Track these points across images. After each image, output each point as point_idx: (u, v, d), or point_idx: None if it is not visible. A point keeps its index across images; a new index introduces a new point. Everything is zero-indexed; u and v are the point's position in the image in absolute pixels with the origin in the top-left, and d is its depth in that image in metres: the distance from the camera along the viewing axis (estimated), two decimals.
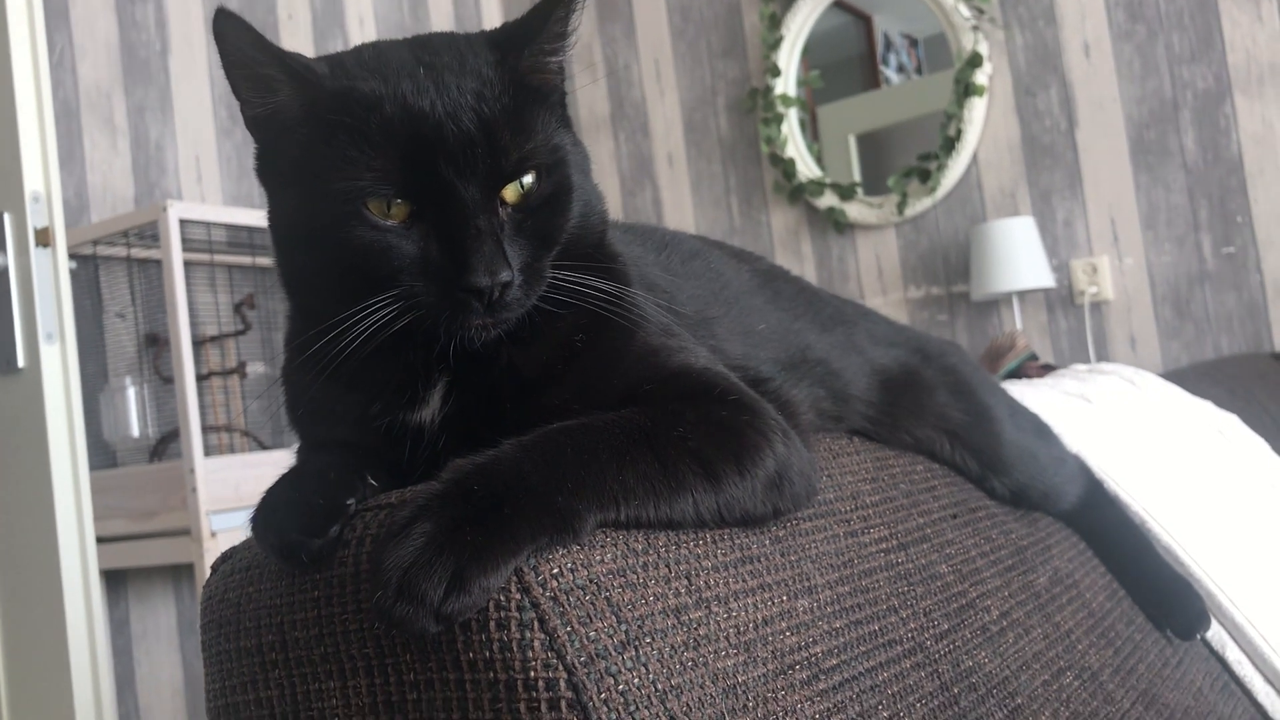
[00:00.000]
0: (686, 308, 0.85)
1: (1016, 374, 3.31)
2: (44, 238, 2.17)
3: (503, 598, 0.59)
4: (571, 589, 0.61)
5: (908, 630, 0.80)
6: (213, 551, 2.72)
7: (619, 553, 0.64)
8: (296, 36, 3.80)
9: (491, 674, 0.59)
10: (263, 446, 3.19)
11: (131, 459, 3.11)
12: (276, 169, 0.72)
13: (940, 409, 1.04)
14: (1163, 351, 3.38)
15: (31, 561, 2.12)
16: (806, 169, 3.95)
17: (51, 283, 2.18)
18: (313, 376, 0.73)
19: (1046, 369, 3.29)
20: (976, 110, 3.65)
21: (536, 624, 0.59)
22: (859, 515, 0.86)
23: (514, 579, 0.60)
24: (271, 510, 0.67)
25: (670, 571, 0.66)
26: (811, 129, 4.05)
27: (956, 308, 3.71)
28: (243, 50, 0.68)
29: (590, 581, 0.62)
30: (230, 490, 2.80)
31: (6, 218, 2.15)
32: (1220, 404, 1.95)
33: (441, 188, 0.66)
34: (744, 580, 0.70)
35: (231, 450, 3.18)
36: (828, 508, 0.83)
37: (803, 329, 0.96)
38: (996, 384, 1.15)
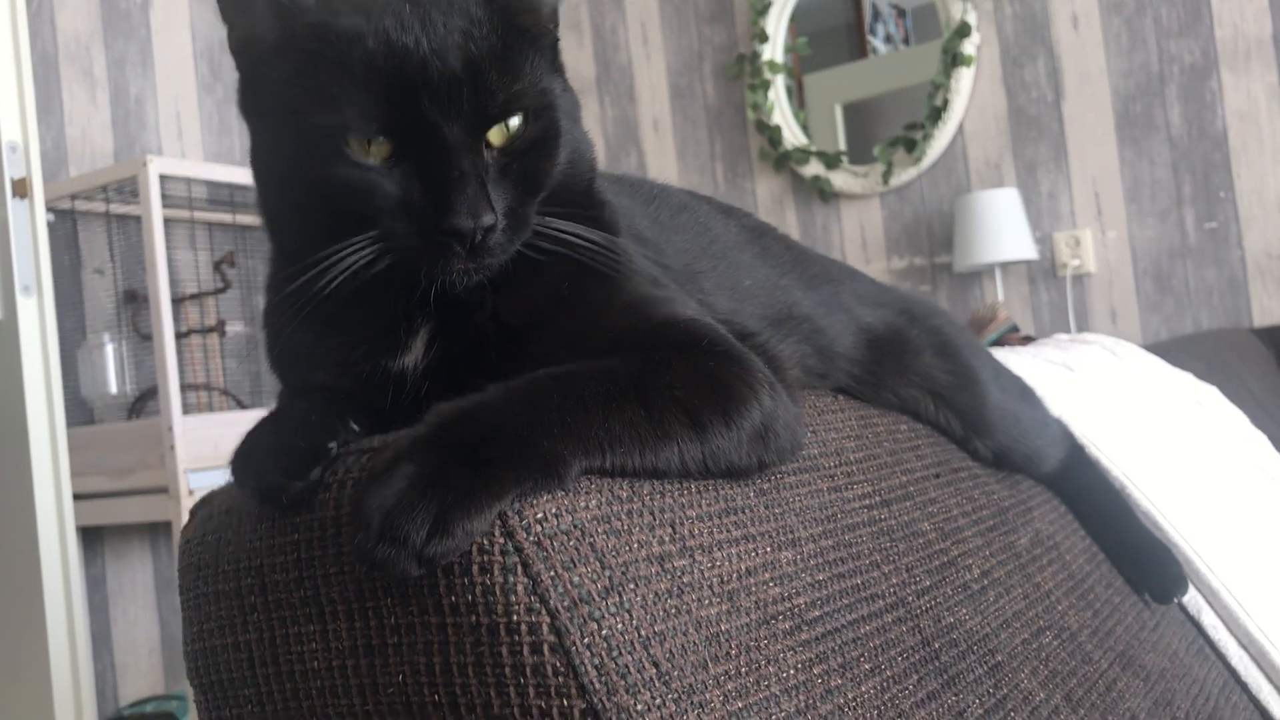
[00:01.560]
0: (674, 261, 0.84)
1: (998, 345, 3.32)
2: (21, 189, 2.14)
3: (486, 541, 0.59)
4: (555, 534, 0.60)
5: (890, 585, 0.80)
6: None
7: (603, 499, 0.64)
8: None
9: (474, 617, 0.58)
10: (241, 405, 3.17)
11: (109, 416, 3.09)
12: (257, 102, 0.71)
13: (926, 369, 1.04)
14: (1143, 325, 3.39)
15: (8, 517, 2.11)
16: (793, 136, 3.93)
17: (29, 234, 2.16)
18: (293, 319, 0.72)
19: (1027, 340, 3.29)
20: (964, 80, 3.64)
21: (520, 568, 0.58)
22: (843, 471, 0.86)
23: (497, 523, 0.59)
24: (252, 453, 0.66)
25: (655, 519, 0.66)
26: (798, 97, 4.04)
27: (939, 278, 3.71)
28: None
29: (574, 527, 0.61)
30: (209, 449, 2.78)
31: None
32: (1200, 377, 1.96)
33: (425, 127, 0.65)
34: (728, 530, 0.69)
35: (210, 409, 3.16)
36: (812, 463, 0.83)
37: (789, 285, 0.96)
38: (982, 347, 1.14)
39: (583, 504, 0.63)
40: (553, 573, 0.59)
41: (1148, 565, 1.17)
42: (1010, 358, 1.42)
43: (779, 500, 0.76)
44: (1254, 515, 1.51)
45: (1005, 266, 3.55)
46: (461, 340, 0.70)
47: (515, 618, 0.58)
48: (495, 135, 0.68)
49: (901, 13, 4.27)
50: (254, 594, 0.66)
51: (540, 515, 0.60)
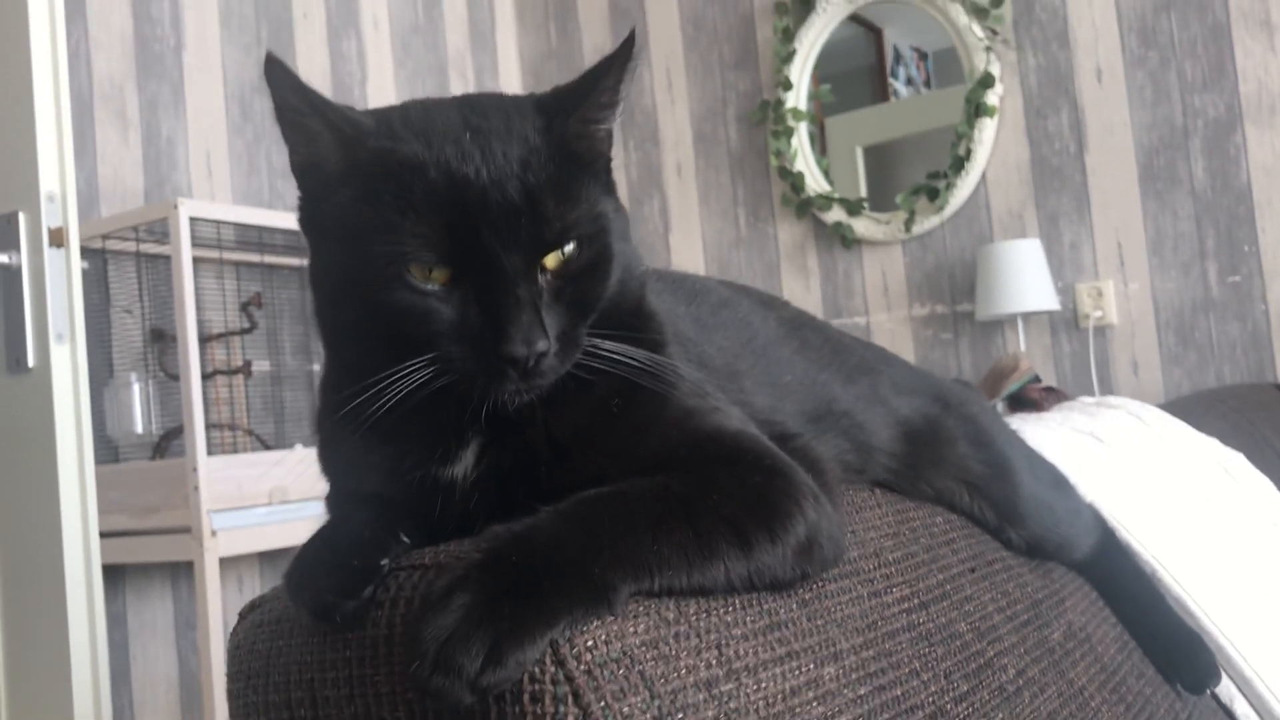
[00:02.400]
0: (716, 360, 0.86)
1: (1019, 396, 3.32)
2: (57, 238, 2.17)
3: (537, 670, 0.60)
4: (605, 662, 0.61)
5: (929, 694, 0.81)
6: (213, 550, 2.72)
7: (651, 623, 0.64)
8: (311, 35, 3.80)
9: None
10: (266, 446, 3.19)
11: (134, 455, 3.10)
12: (318, 220, 0.72)
13: (961, 460, 1.04)
14: (1165, 378, 3.38)
15: (35, 556, 2.13)
16: (815, 183, 3.95)
17: (64, 283, 2.18)
18: (348, 430, 0.73)
19: (1049, 391, 3.30)
20: (987, 130, 3.65)
21: (571, 698, 0.59)
22: (881, 573, 0.86)
23: (549, 651, 0.60)
24: (307, 568, 0.68)
25: (701, 641, 0.66)
26: (820, 142, 4.06)
27: (961, 327, 3.71)
28: (286, 98, 0.68)
29: (624, 654, 0.62)
30: (233, 489, 2.80)
31: (21, 217, 2.15)
32: (1224, 437, 1.96)
33: (484, 255, 0.66)
34: (772, 649, 0.70)
35: (235, 449, 3.18)
36: (851, 566, 0.83)
37: (828, 380, 0.97)
38: (1015, 434, 1.15)
39: (631, 629, 0.63)
40: (603, 703, 0.59)
41: (1180, 655, 1.17)
42: (1039, 429, 1.42)
43: (821, 611, 0.76)
44: None
45: (1027, 316, 3.55)
46: (512, 453, 0.71)
47: None
48: (550, 260, 0.69)
49: (923, 56, 4.29)
50: (304, 707, 0.67)
51: (590, 643, 0.61)
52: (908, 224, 3.77)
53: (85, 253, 3.12)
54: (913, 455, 1.01)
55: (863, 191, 3.97)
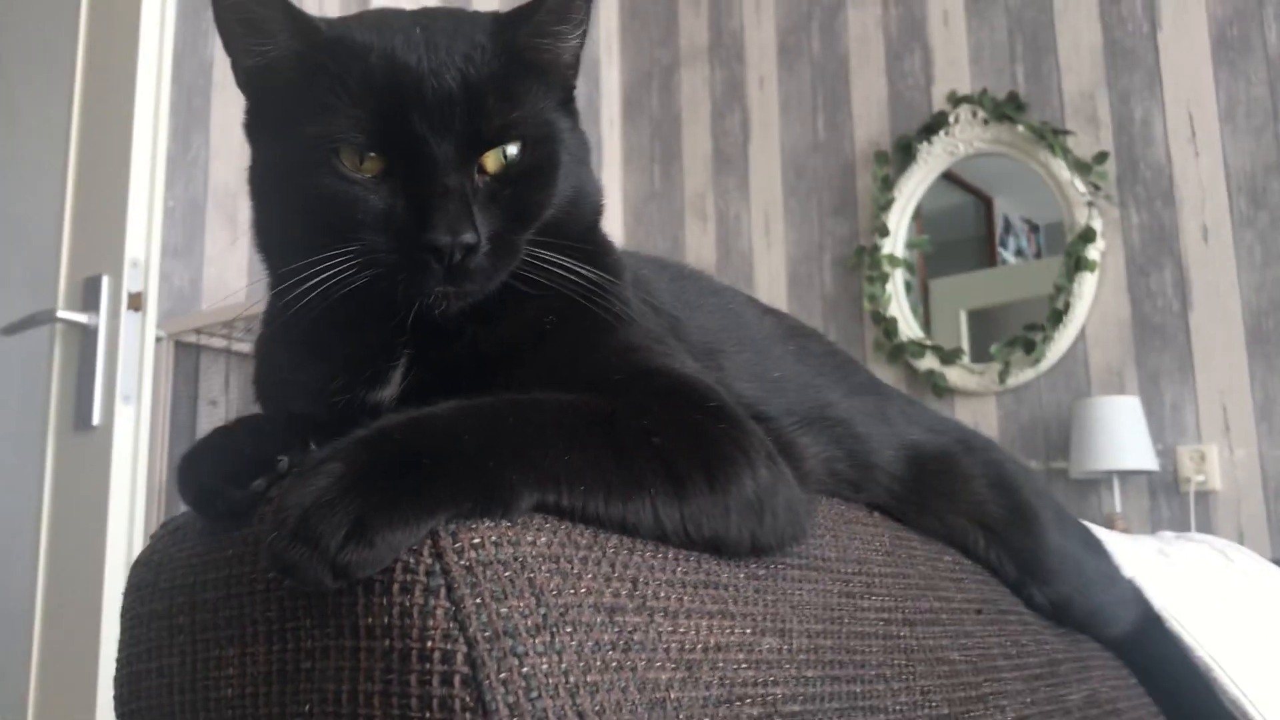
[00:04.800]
0: (692, 335, 0.80)
1: None
2: (136, 302, 2.23)
3: (412, 560, 0.54)
4: (490, 562, 0.55)
5: (897, 703, 0.71)
6: None
7: (557, 539, 0.58)
8: None
9: (387, 641, 0.53)
10: None
11: None
12: (260, 121, 0.71)
13: (976, 499, 0.95)
14: (1274, 549, 3.16)
15: (76, 613, 2.11)
16: (909, 329, 3.89)
17: (137, 346, 2.23)
18: (279, 348, 0.70)
19: None
20: (1087, 285, 3.56)
21: (443, 590, 0.53)
22: (861, 579, 0.78)
23: (428, 543, 0.54)
24: (197, 457, 0.63)
25: (614, 571, 0.59)
26: (920, 291, 4.01)
27: (1055, 483, 3.55)
28: None
29: (514, 559, 0.56)
30: None
31: (105, 280, 2.22)
32: None
33: (414, 142, 0.64)
34: (702, 602, 0.63)
35: None
36: (824, 563, 0.76)
37: (825, 386, 0.90)
38: (1044, 487, 1.06)
39: (530, 538, 0.57)
40: (479, 600, 0.53)
41: None
42: (1091, 527, 1.31)
43: (774, 588, 0.69)
44: None
45: (1124, 476, 3.38)
46: (438, 370, 0.67)
47: (429, 644, 0.52)
48: (491, 161, 0.66)
49: (1034, 228, 4.25)
50: (182, 614, 0.62)
51: (477, 540, 0.55)
52: (1002, 375, 3.66)
53: (179, 345, 3.23)
54: (920, 482, 0.93)
55: (964, 345, 3.89)
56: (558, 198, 0.69)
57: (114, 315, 2.21)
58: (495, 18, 0.70)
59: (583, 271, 0.67)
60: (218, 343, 3.26)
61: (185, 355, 3.29)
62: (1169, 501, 3.35)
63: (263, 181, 0.71)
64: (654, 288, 0.80)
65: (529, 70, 0.68)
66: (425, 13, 0.70)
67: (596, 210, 0.74)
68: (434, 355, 0.67)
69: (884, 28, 4.06)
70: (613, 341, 0.68)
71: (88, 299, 2.23)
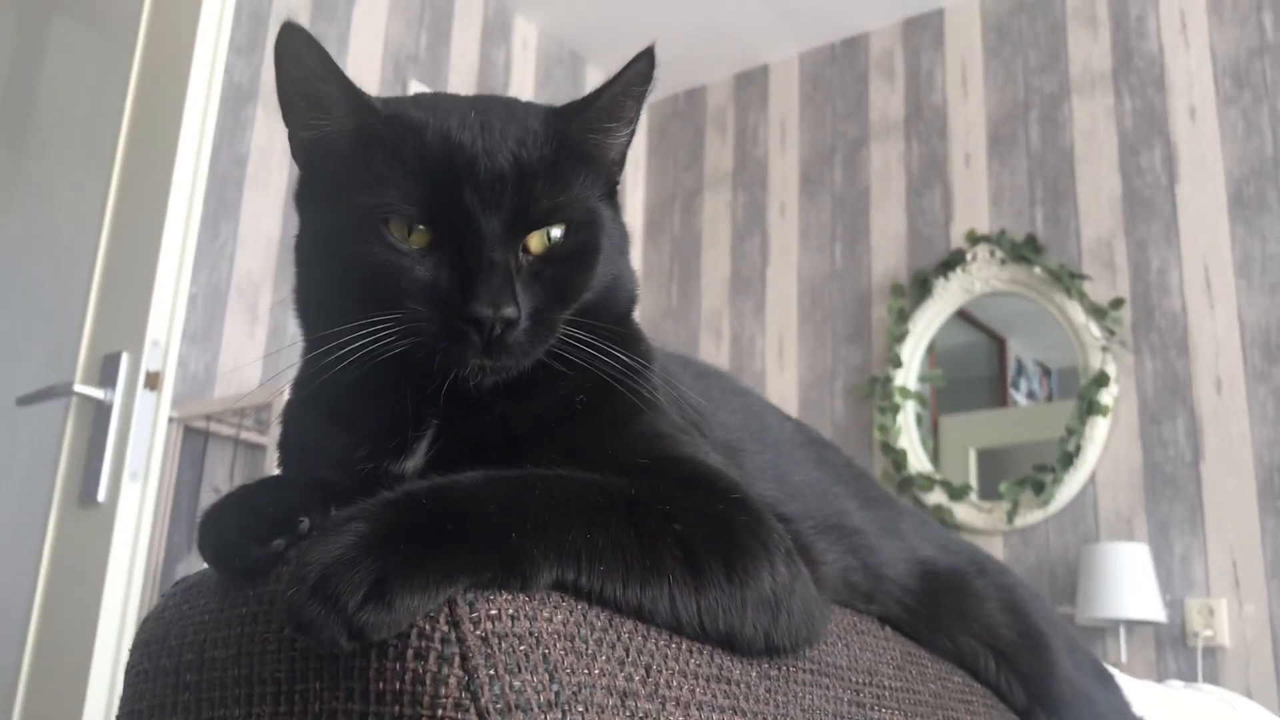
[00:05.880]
0: (715, 432, 0.81)
1: None
2: (153, 381, 2.24)
3: (428, 626, 0.53)
4: (507, 634, 0.54)
5: None
6: None
7: (573, 618, 0.58)
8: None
9: (398, 708, 0.52)
10: None
11: None
12: (313, 192, 0.72)
13: (988, 621, 0.95)
14: None
15: (63, 686, 2.08)
16: (918, 462, 3.88)
17: (150, 424, 2.23)
18: (308, 412, 0.70)
19: None
20: (1099, 429, 3.56)
21: (458, 659, 0.52)
22: (871, 690, 0.77)
23: (445, 610, 0.54)
24: (219, 513, 0.63)
25: (628, 655, 0.59)
26: (931, 426, 4.01)
27: None
28: (307, 64, 0.69)
29: (530, 634, 0.55)
30: None
31: (124, 357, 2.24)
32: None
33: (464, 217, 0.65)
34: (714, 695, 0.62)
35: None
36: (836, 671, 0.75)
37: (842, 495, 0.90)
38: (1056, 615, 1.04)
39: (547, 614, 0.57)
40: (492, 671, 0.53)
41: None
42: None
43: (785, 690, 0.68)
44: None
45: (1131, 626, 3.33)
46: (464, 443, 0.67)
47: (441, 712, 0.51)
48: (535, 242, 0.67)
49: (1047, 371, 4.27)
50: (190, 672, 0.61)
51: (494, 612, 0.55)
52: (1010, 515, 3.64)
53: (188, 429, 3.24)
54: (932, 599, 0.92)
55: (972, 483, 3.87)
56: (596, 281, 0.70)
57: (130, 393, 2.22)
58: (549, 108, 0.73)
59: (616, 354, 0.68)
60: (226, 430, 3.27)
61: (193, 439, 3.29)
62: (1176, 654, 3.30)
63: (310, 248, 0.72)
64: (680, 381, 0.81)
65: (578, 160, 0.70)
66: (481, 98, 0.72)
67: (631, 299, 0.75)
68: (461, 428, 0.68)
69: (906, 164, 4.15)
70: (640, 426, 0.69)
71: (105, 375, 2.24)
